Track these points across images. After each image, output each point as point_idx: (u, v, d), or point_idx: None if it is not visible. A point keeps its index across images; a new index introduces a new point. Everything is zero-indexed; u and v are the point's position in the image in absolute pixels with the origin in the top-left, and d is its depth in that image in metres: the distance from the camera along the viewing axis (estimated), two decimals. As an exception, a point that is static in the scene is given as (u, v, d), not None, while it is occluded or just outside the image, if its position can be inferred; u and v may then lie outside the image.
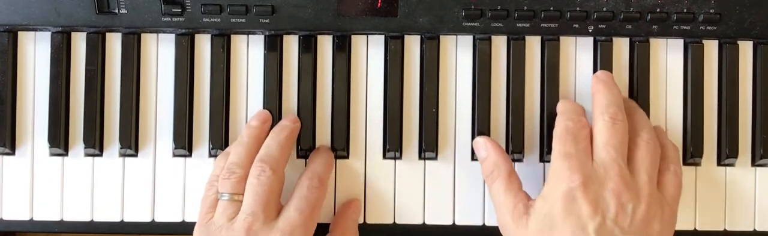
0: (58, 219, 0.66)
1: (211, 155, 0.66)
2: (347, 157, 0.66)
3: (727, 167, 0.66)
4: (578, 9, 0.64)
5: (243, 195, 0.61)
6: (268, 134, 0.64)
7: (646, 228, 0.58)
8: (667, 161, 0.62)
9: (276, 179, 0.61)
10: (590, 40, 0.66)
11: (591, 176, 0.58)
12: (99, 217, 0.66)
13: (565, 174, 0.58)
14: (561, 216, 0.57)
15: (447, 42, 0.66)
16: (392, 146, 0.65)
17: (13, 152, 0.66)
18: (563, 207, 0.57)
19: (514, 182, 0.62)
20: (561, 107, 0.63)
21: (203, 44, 0.66)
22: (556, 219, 0.58)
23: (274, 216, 0.61)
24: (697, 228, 0.66)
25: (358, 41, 0.66)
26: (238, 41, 0.66)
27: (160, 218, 0.66)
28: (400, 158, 0.66)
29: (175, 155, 0.66)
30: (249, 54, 0.66)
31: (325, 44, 0.66)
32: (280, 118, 0.65)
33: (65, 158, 0.66)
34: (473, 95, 0.66)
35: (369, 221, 0.66)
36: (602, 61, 0.66)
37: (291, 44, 0.66)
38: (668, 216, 0.60)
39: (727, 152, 0.65)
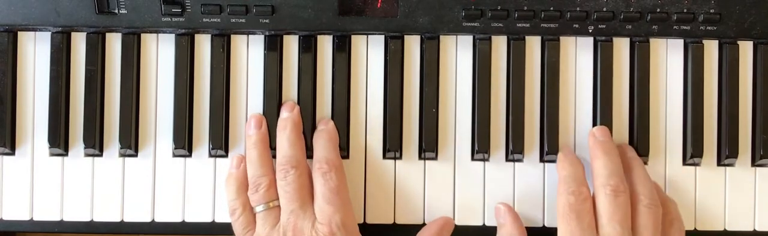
0: (58, 219, 0.66)
1: (211, 155, 0.66)
2: (347, 157, 0.66)
3: (727, 167, 0.66)
4: (578, 9, 0.64)
5: (277, 200, 0.62)
6: (269, 134, 0.64)
7: None
8: (670, 217, 0.63)
9: (301, 174, 0.62)
10: (590, 40, 0.66)
11: None
12: (99, 217, 0.66)
13: None
14: None
15: (447, 42, 0.66)
16: (392, 146, 0.65)
17: (13, 152, 0.66)
18: None
19: None
20: (561, 172, 0.63)
21: (203, 44, 0.66)
22: None
23: (312, 209, 0.62)
24: (697, 228, 0.66)
25: (358, 41, 0.66)
26: (238, 41, 0.66)
27: (160, 218, 0.66)
28: (400, 158, 0.66)
29: (175, 156, 0.66)
30: (249, 54, 0.66)
31: (325, 44, 0.66)
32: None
33: (65, 158, 0.66)
34: (473, 95, 0.66)
35: (369, 221, 0.66)
36: (602, 61, 0.66)
37: (291, 44, 0.66)
38: None
39: (727, 152, 0.65)
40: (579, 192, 0.61)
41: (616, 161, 0.62)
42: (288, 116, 0.64)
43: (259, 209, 0.62)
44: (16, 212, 0.66)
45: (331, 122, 0.65)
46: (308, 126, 0.65)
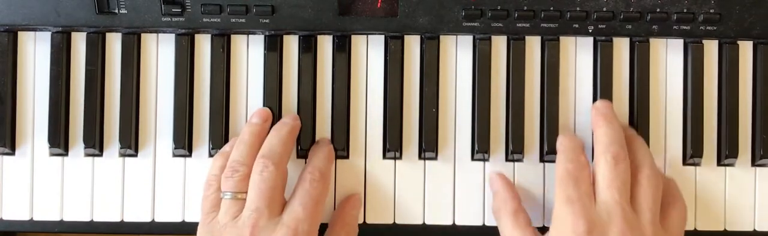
0: (58, 219, 0.66)
1: (211, 155, 0.66)
2: (347, 157, 0.66)
3: (727, 167, 0.66)
4: (578, 9, 0.64)
5: (246, 193, 0.61)
6: (268, 133, 0.64)
7: None
8: (671, 193, 0.63)
9: (279, 174, 0.61)
10: (590, 40, 0.66)
11: (595, 221, 0.58)
12: (99, 217, 0.66)
13: (570, 220, 0.58)
14: None
15: (447, 42, 0.66)
16: (392, 146, 0.65)
17: (13, 152, 0.66)
18: None
19: (520, 219, 0.62)
20: (560, 145, 0.63)
21: (203, 44, 0.66)
22: None
23: (279, 211, 0.61)
24: (697, 228, 0.66)
25: (358, 41, 0.66)
26: (238, 41, 0.66)
27: (160, 218, 0.66)
28: (400, 158, 0.66)
29: (175, 155, 0.66)
30: (249, 54, 0.66)
31: (325, 44, 0.66)
32: (280, 118, 0.65)
33: (65, 158, 0.66)
34: (473, 95, 0.66)
35: (369, 221, 0.66)
36: (602, 61, 0.66)
37: (291, 44, 0.66)
38: None
39: (727, 152, 0.65)
40: (578, 160, 0.61)
41: (617, 130, 0.62)
42: (288, 122, 0.64)
43: (226, 195, 0.61)
44: (16, 212, 0.66)
45: (331, 144, 0.65)
46: (308, 126, 0.65)
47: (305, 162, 0.65)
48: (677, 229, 0.62)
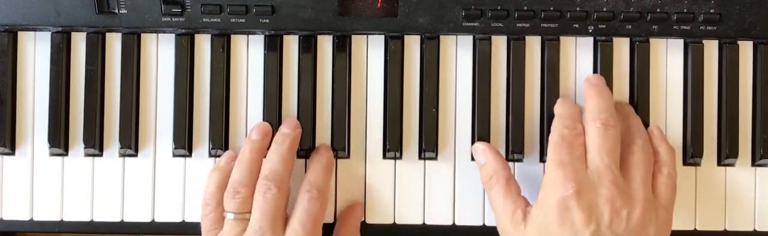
0: (58, 219, 0.66)
1: (211, 155, 0.66)
2: (347, 157, 0.66)
3: (727, 167, 0.66)
4: (578, 9, 0.64)
5: (249, 213, 0.61)
6: (269, 145, 0.64)
7: (642, 233, 0.58)
8: (661, 164, 0.63)
9: (282, 196, 0.61)
10: (590, 40, 0.66)
11: (584, 183, 0.59)
12: (99, 217, 0.66)
13: (560, 182, 0.59)
14: (556, 224, 0.58)
15: (447, 42, 0.66)
16: (392, 146, 0.65)
17: (13, 152, 0.66)
18: (558, 216, 0.58)
19: (512, 188, 0.62)
20: (558, 110, 0.64)
21: (203, 44, 0.66)
22: (552, 227, 0.58)
23: (281, 229, 0.61)
24: (697, 228, 0.66)
25: (358, 41, 0.66)
26: (238, 41, 0.66)
27: (160, 218, 0.66)
28: (400, 158, 0.66)
29: (175, 155, 0.66)
30: (249, 54, 0.66)
31: (325, 44, 0.66)
32: (279, 119, 0.65)
33: (65, 158, 0.66)
34: (473, 95, 0.66)
35: (369, 221, 0.66)
36: (602, 61, 0.66)
37: (291, 44, 0.66)
38: (663, 220, 0.60)
39: (727, 152, 0.65)
40: (573, 126, 0.62)
41: (608, 100, 0.63)
42: (289, 133, 0.64)
43: (229, 216, 0.61)
44: (16, 212, 0.66)
45: (331, 151, 0.65)
46: (308, 127, 0.65)
47: (305, 164, 0.65)
48: (667, 196, 0.62)
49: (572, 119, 0.62)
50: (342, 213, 0.65)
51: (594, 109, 0.62)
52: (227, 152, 0.65)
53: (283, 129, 0.64)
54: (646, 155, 0.62)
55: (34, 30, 0.66)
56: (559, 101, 0.65)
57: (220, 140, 0.65)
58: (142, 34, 0.66)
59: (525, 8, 0.64)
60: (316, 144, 0.66)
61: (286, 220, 0.62)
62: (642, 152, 0.62)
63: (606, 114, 0.62)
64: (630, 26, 0.65)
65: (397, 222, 0.66)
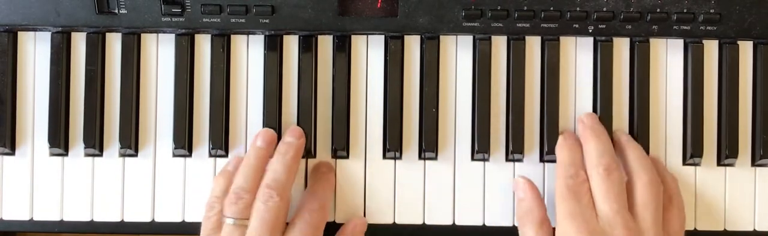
0: (58, 219, 0.66)
1: (211, 155, 0.66)
2: (347, 157, 0.66)
3: (727, 167, 0.66)
4: (578, 9, 0.64)
5: (249, 219, 0.61)
6: (272, 152, 0.64)
7: None
8: (669, 193, 0.63)
9: (283, 204, 0.61)
10: (590, 40, 0.66)
11: (598, 233, 0.59)
12: (99, 217, 0.66)
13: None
14: None
15: (447, 42, 0.66)
16: (392, 146, 0.65)
17: (13, 152, 0.66)
18: None
19: (544, 229, 0.62)
20: (559, 156, 0.64)
21: (203, 44, 0.66)
22: None
23: None
24: (697, 228, 0.66)
25: (358, 41, 0.66)
26: (238, 41, 0.66)
27: (160, 218, 0.66)
28: (400, 158, 0.66)
29: (175, 155, 0.66)
30: (249, 54, 0.66)
31: (325, 44, 0.66)
32: (280, 119, 0.65)
33: (65, 158, 0.66)
34: (473, 95, 0.66)
35: (369, 221, 0.66)
36: (602, 61, 0.66)
37: (291, 44, 0.66)
38: None
39: (727, 152, 0.65)
40: (577, 175, 0.62)
41: (606, 142, 0.63)
42: (293, 143, 0.64)
43: (229, 221, 0.61)
44: (16, 212, 0.66)
45: (334, 171, 0.65)
46: (309, 127, 0.65)
47: (306, 164, 0.65)
48: (678, 228, 0.62)
49: (575, 167, 0.63)
50: (344, 227, 0.65)
51: (594, 154, 0.62)
52: (235, 157, 0.65)
53: (287, 138, 0.64)
54: (653, 191, 0.62)
55: (34, 30, 0.66)
56: (559, 140, 0.64)
57: (220, 140, 0.65)
58: (142, 35, 0.66)
59: (525, 8, 0.64)
60: (317, 145, 0.66)
61: (284, 228, 0.62)
62: (648, 189, 0.62)
63: (607, 159, 0.62)
64: (630, 26, 0.65)
65: (397, 222, 0.66)
